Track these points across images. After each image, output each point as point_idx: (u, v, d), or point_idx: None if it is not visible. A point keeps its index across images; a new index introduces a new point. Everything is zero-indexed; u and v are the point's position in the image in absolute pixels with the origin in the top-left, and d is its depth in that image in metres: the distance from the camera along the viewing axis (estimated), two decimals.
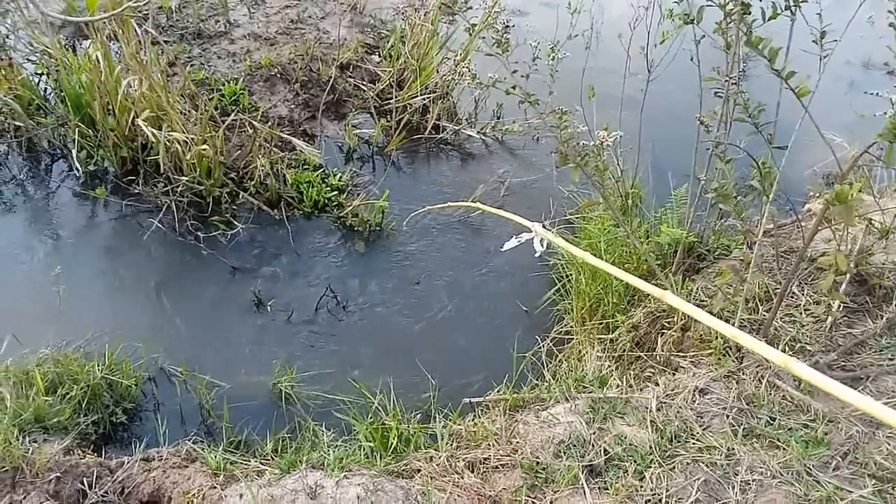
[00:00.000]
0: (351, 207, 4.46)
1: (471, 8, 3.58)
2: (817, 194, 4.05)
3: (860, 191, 2.87)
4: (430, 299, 4.09)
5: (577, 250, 1.11)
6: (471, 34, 5.00)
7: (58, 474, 2.71)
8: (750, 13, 2.80)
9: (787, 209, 3.72)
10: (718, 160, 3.09)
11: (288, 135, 4.87)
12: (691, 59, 3.22)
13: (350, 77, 5.55)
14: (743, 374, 2.92)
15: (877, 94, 2.36)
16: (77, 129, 4.47)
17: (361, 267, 4.25)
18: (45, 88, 4.93)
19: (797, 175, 4.56)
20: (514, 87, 3.44)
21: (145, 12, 5.21)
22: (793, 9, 2.74)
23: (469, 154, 5.23)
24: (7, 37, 4.98)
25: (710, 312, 3.14)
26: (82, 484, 2.72)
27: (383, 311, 4.00)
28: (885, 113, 2.19)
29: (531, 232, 1.22)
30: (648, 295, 3.61)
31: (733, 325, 3.00)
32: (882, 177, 4.36)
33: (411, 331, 3.91)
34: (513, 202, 4.76)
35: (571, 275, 3.92)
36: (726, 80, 2.89)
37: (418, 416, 3.19)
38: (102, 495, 2.71)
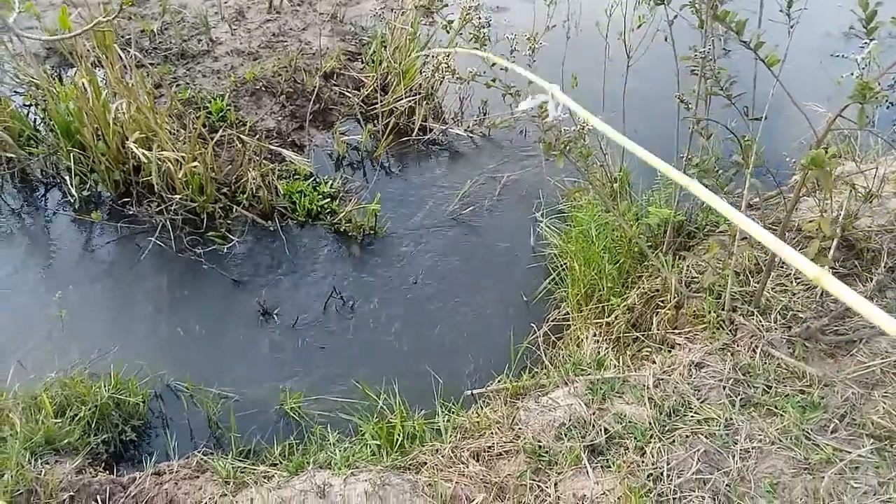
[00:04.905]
0: (344, 213, 4.50)
1: (447, 6, 3.62)
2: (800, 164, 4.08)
3: (837, 156, 2.90)
4: (427, 297, 4.13)
5: (596, 121, 1.05)
6: (448, 32, 5.04)
7: (71, 493, 2.76)
8: None
9: (774, 182, 3.75)
10: (700, 136, 3.13)
11: (277, 146, 4.91)
12: (665, 39, 3.26)
13: (335, 85, 5.60)
14: (737, 345, 2.96)
15: (842, 55, 2.39)
16: (70, 155, 4.52)
17: (358, 270, 4.30)
18: (35, 119, 4.99)
19: (786, 148, 4.59)
20: (493, 80, 3.49)
21: (127, 37, 5.27)
22: None
23: (458, 152, 5.27)
24: None
25: (701, 287, 3.18)
26: (96, 501, 2.77)
27: (383, 312, 4.03)
28: (852, 74, 2.23)
29: (548, 94, 1.17)
30: (642, 276, 3.65)
31: (724, 298, 3.04)
32: (869, 143, 4.40)
33: (411, 329, 3.94)
34: (504, 195, 4.80)
35: (566, 264, 3.95)
36: (697, 55, 2.92)
37: (423, 411, 3.23)
38: None
